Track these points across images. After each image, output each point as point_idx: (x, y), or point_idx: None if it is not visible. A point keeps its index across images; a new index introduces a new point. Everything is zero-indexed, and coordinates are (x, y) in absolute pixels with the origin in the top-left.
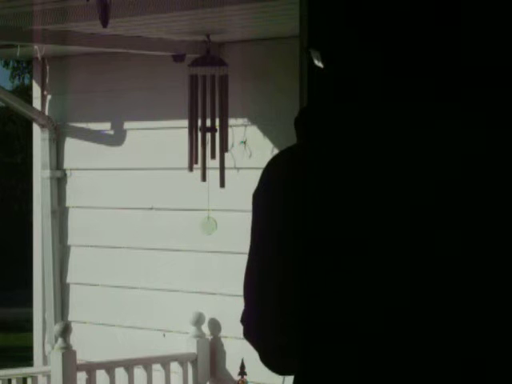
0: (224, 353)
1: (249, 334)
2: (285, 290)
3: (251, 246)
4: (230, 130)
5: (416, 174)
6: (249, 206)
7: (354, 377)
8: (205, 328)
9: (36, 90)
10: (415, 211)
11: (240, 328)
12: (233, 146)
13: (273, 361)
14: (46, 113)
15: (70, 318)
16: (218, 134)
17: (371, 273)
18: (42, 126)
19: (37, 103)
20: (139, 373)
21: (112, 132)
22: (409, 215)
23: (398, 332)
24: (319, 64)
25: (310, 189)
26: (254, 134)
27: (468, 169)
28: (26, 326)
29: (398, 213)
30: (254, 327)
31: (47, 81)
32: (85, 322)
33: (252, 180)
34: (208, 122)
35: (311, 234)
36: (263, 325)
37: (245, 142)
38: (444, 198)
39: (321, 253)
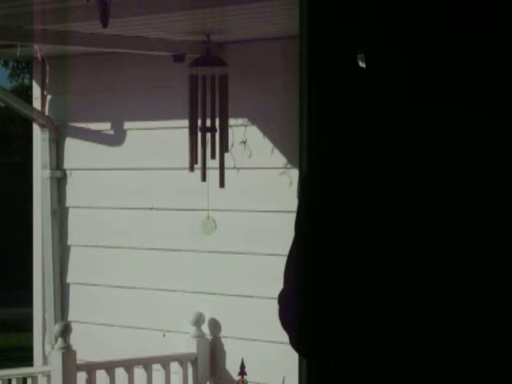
0: (224, 353)
1: (281, 315)
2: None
3: (296, 226)
4: (230, 130)
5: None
6: (248, 206)
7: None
8: (205, 328)
9: (36, 90)
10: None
11: (239, 328)
12: (233, 146)
13: (302, 346)
14: (46, 113)
15: (70, 318)
16: (217, 134)
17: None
18: (42, 126)
19: (37, 103)
20: (139, 373)
21: (112, 132)
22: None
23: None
24: (362, 65)
25: (350, 191)
26: (253, 134)
27: (498, 188)
28: (26, 326)
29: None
30: (288, 309)
31: (47, 81)
32: (85, 322)
33: (252, 180)
34: (208, 122)
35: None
36: (297, 309)
37: (245, 142)
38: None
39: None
